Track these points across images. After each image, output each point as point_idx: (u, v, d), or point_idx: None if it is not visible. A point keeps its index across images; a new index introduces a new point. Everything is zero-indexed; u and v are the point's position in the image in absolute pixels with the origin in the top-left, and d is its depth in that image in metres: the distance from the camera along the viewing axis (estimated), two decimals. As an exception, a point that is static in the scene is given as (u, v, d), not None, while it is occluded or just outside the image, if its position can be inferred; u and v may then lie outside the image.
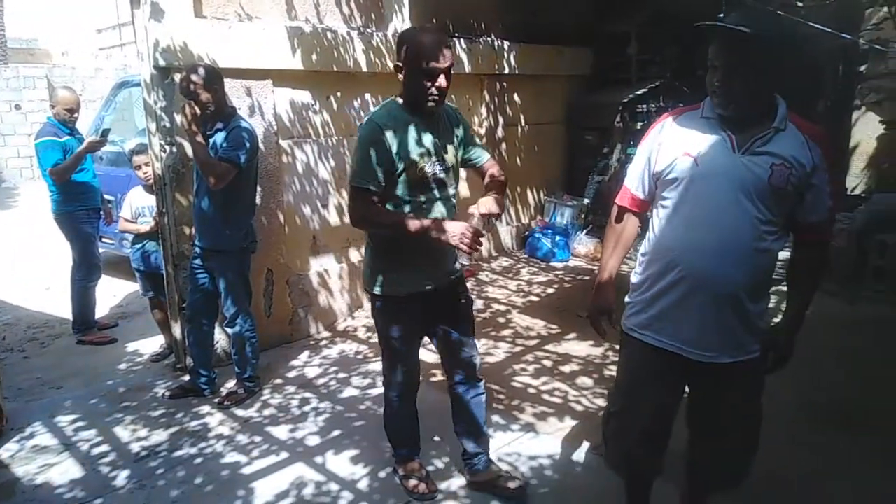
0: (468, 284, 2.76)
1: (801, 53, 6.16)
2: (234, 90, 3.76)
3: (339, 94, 4.58)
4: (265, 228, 4.05)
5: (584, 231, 6.58)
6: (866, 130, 7.23)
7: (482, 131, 6.04)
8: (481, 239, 2.16)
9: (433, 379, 3.52)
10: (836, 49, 6.33)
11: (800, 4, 6.07)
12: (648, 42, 6.88)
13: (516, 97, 6.44)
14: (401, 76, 2.20)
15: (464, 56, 5.53)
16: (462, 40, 5.58)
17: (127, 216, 4.07)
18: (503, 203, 2.30)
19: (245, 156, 3.19)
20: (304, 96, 4.34)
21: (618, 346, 2.13)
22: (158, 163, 3.70)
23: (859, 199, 6.43)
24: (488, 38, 5.95)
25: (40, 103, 12.43)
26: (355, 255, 4.86)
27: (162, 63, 3.55)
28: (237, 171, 3.17)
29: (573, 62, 7.05)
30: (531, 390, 3.56)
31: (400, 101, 2.26)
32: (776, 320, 1.99)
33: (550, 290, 5.41)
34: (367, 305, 4.95)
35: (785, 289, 1.97)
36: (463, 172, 2.54)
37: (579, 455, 2.90)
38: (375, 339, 4.35)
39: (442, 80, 2.14)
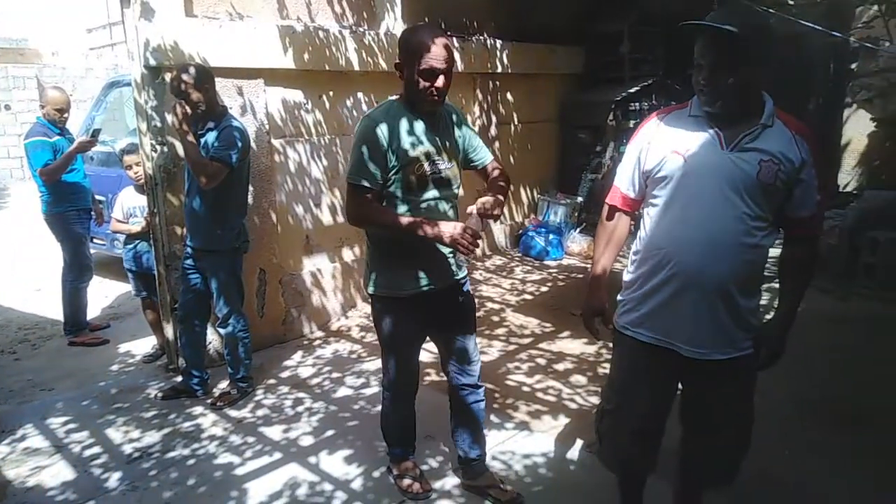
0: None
1: (787, 50, 6.20)
2: (225, 89, 3.75)
3: (331, 93, 4.57)
4: (257, 228, 4.03)
5: (578, 229, 6.59)
6: (857, 128, 7.27)
7: (475, 130, 6.03)
8: (478, 240, 2.13)
9: (427, 378, 3.52)
10: (827, 47, 6.37)
11: (791, 3, 6.10)
12: (641, 40, 6.89)
13: (509, 96, 6.44)
14: (401, 75, 2.20)
15: (456, 55, 5.48)
16: (455, 39, 5.57)
17: (119, 217, 4.06)
18: (503, 204, 2.27)
19: (236, 155, 3.18)
20: (296, 95, 4.33)
21: (611, 344, 2.13)
22: (149, 163, 3.68)
23: (851, 196, 6.47)
24: (481, 37, 5.95)
25: (30, 103, 12.35)
26: (348, 255, 4.86)
27: (152, 62, 3.53)
28: (229, 171, 3.16)
29: (566, 61, 7.06)
30: (525, 389, 3.56)
31: (400, 99, 2.25)
32: (768, 317, 2.00)
33: (544, 289, 5.41)
34: (361, 305, 4.97)
35: (777, 286, 1.97)
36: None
37: (573, 453, 2.91)
38: (369, 338, 4.37)
39: (441, 80, 2.14)
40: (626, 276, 2.01)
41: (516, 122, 6.61)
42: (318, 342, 4.38)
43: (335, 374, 3.82)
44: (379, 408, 3.28)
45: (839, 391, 3.41)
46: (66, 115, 4.41)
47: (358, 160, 2.18)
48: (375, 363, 3.92)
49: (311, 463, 2.89)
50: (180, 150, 3.39)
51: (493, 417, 3.19)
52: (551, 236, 6.34)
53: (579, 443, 2.95)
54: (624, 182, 2.01)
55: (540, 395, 3.49)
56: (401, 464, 2.66)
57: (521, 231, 6.63)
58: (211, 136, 3.21)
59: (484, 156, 2.45)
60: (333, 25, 4.54)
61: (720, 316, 1.81)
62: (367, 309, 4.89)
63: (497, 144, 6.32)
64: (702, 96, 1.80)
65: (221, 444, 3.06)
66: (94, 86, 11.34)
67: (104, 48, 16.46)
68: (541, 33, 6.58)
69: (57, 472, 2.85)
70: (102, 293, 5.52)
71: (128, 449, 3.04)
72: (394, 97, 2.28)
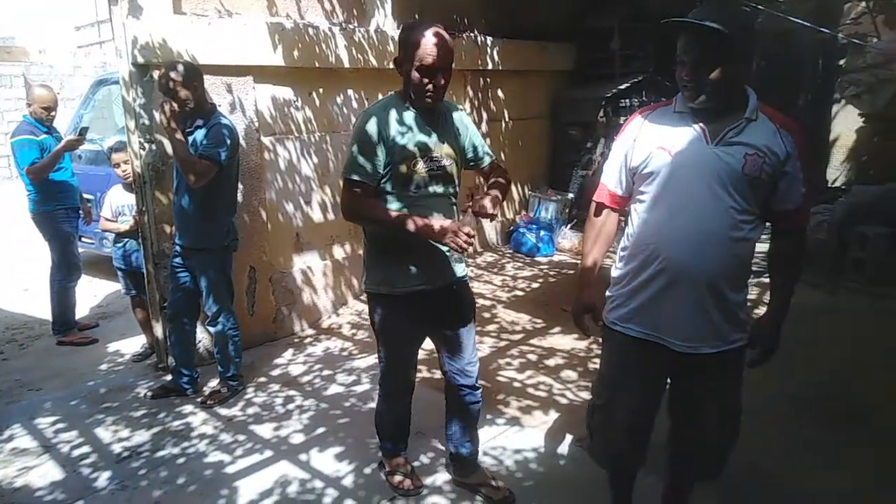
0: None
1: (776, 46, 6.24)
2: (214, 87, 3.73)
3: (321, 90, 4.55)
4: (247, 226, 4.01)
5: (569, 225, 6.61)
6: (846, 123, 7.33)
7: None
8: (471, 238, 2.09)
9: (419, 374, 3.50)
10: (816, 43, 6.41)
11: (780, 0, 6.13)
12: (631, 37, 6.91)
13: (500, 93, 6.44)
14: (400, 71, 2.18)
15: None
16: (445, 35, 5.56)
17: (108, 215, 4.03)
18: (499, 204, 2.25)
19: (226, 153, 3.16)
20: (285, 93, 4.31)
21: (601, 340, 2.14)
22: (138, 161, 3.65)
23: (839, 191, 6.52)
24: (471, 34, 5.94)
25: (17, 102, 12.22)
26: (339, 252, 4.84)
27: (140, 60, 3.50)
28: (218, 169, 3.14)
29: (556, 57, 7.06)
30: (516, 384, 3.57)
31: (399, 95, 2.24)
32: (758, 313, 2.01)
33: (535, 285, 5.42)
34: (352, 302, 4.96)
35: (766, 280, 1.99)
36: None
37: (564, 448, 2.92)
38: (360, 336, 4.37)
39: (440, 78, 2.12)
40: (615, 272, 2.02)
41: (507, 119, 6.61)
42: (308, 340, 4.36)
43: (326, 372, 3.81)
44: (370, 405, 3.30)
45: (829, 386, 3.43)
46: (53, 113, 4.37)
47: (351, 154, 2.17)
48: (366, 360, 3.92)
49: (302, 460, 2.88)
50: (169, 148, 3.37)
51: (484, 413, 3.19)
52: (542, 233, 6.35)
53: (570, 438, 2.96)
54: (611, 180, 2.02)
55: (531, 390, 3.49)
56: (392, 460, 2.66)
57: (512, 228, 6.63)
58: (200, 134, 3.19)
59: (485, 156, 2.42)
60: (323, 22, 4.52)
61: (709, 310, 1.82)
62: (359, 306, 4.89)
63: (488, 141, 6.23)
64: (685, 92, 1.81)
65: (212, 443, 3.05)
66: (82, 84, 11.23)
67: (92, 46, 16.33)
68: (532, 30, 6.58)
69: (45, 473, 2.83)
70: (91, 292, 5.49)
71: (117, 448, 3.02)
72: (394, 93, 2.26)
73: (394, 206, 2.21)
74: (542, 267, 5.95)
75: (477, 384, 2.50)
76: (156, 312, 3.84)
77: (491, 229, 6.60)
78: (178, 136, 3.10)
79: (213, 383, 3.59)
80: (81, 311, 4.78)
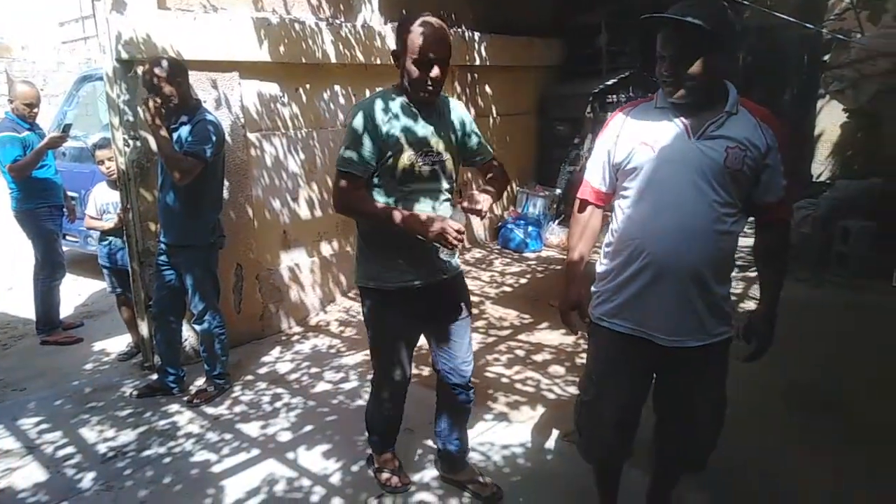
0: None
1: (761, 41, 6.27)
2: (199, 83, 3.70)
3: (308, 85, 4.53)
4: (233, 223, 3.99)
5: (557, 221, 6.63)
6: (830, 118, 7.39)
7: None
8: (461, 235, 2.06)
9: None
10: (801, 39, 6.45)
11: (765, -5, 6.15)
12: (618, 32, 6.92)
13: (487, 88, 6.43)
14: (397, 63, 2.15)
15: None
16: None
17: (92, 213, 3.99)
18: (492, 201, 2.21)
19: (211, 150, 3.14)
20: (272, 88, 4.27)
21: (588, 335, 2.14)
22: (122, 158, 3.62)
23: (824, 186, 6.57)
24: (459, 29, 5.93)
25: (-1, 98, 12.07)
26: (327, 249, 4.83)
27: (125, 56, 3.46)
28: (203, 166, 3.11)
29: (544, 53, 7.06)
30: (504, 380, 3.57)
31: (395, 88, 2.20)
32: (745, 306, 2.02)
33: (523, 281, 5.43)
34: (340, 299, 4.94)
35: (751, 275, 2.00)
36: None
37: (551, 443, 2.93)
38: (348, 333, 4.36)
39: (436, 71, 2.08)
40: (600, 268, 2.02)
41: (495, 115, 6.61)
42: (296, 337, 4.35)
43: (314, 370, 3.80)
44: (358, 402, 3.29)
45: (815, 378, 3.46)
46: (35, 109, 4.31)
47: (348, 148, 2.13)
48: (354, 358, 3.91)
49: (290, 459, 2.87)
50: (154, 145, 3.33)
51: (472, 409, 3.20)
52: (530, 228, 6.36)
53: (557, 433, 2.97)
54: (595, 177, 2.02)
55: (518, 385, 3.50)
56: (380, 456, 2.65)
57: (500, 223, 6.64)
58: (184, 131, 3.17)
59: (484, 153, 2.38)
60: (310, 17, 4.49)
61: (694, 303, 1.83)
62: (346, 303, 4.88)
63: (477, 137, 6.31)
64: (666, 87, 1.82)
65: (198, 442, 3.03)
66: (66, 80, 11.09)
67: (77, 42, 16.14)
68: (520, 25, 6.58)
69: (29, 474, 2.80)
70: (75, 291, 5.43)
71: (102, 448, 3.00)
72: (390, 86, 2.23)
73: (386, 199, 2.18)
74: (529, 263, 5.96)
75: (470, 384, 2.47)
76: (141, 311, 3.81)
77: (479, 225, 6.60)
78: (163, 132, 3.07)
79: (200, 382, 3.57)
80: (66, 309, 4.74)
